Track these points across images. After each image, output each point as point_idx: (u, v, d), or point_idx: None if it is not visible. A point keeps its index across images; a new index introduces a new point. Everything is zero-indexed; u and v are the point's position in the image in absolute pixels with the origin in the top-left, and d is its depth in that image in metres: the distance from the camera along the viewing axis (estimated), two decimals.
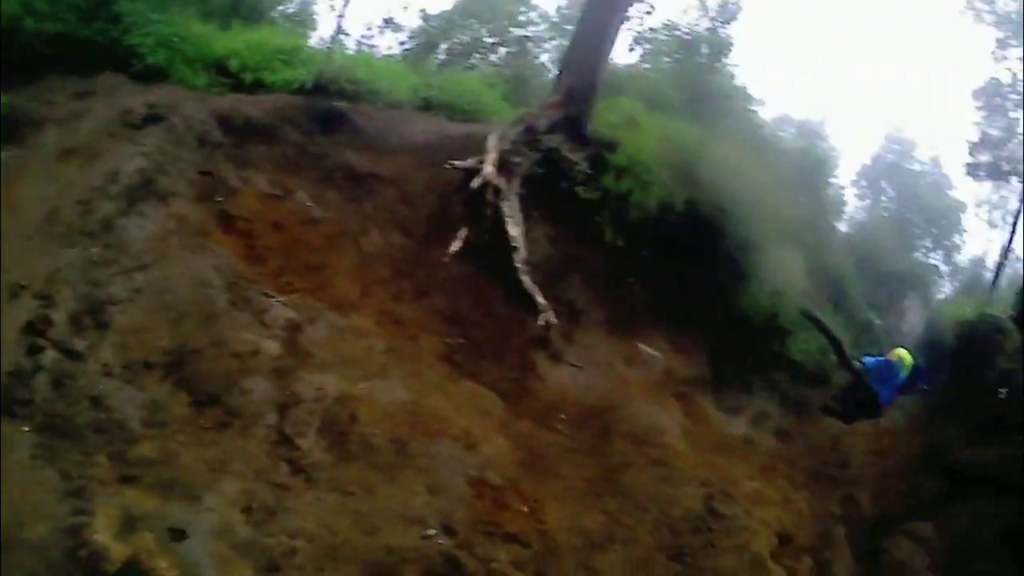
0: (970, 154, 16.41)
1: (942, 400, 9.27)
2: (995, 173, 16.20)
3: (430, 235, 6.21)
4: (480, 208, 6.05)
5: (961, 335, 9.55)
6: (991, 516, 6.27)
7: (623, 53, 10.86)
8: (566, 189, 6.55)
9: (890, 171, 20.06)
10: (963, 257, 19.44)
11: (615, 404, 5.63)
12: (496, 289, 5.96)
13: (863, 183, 20.52)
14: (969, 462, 7.31)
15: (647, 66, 10.62)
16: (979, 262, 18.95)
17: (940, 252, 19.07)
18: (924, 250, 19.15)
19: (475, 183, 6.01)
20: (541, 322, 5.84)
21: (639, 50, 11.02)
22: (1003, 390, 7.88)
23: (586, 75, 6.60)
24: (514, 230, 6.11)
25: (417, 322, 5.52)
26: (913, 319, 16.44)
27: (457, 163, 6.17)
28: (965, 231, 19.11)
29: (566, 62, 6.97)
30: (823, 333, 9.75)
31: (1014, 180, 15.62)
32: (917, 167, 20.00)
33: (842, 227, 15.97)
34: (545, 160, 6.58)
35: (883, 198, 20.26)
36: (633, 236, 6.62)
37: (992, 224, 19.10)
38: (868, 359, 9.93)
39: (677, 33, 10.81)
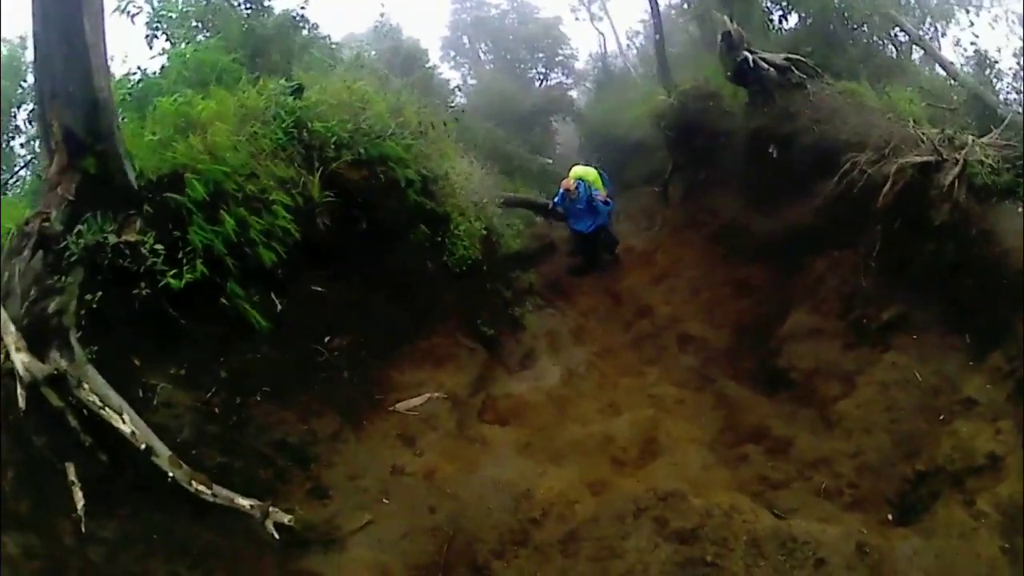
0: None
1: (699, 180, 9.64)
2: None
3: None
4: (60, 419, 3.22)
5: (672, 120, 9.80)
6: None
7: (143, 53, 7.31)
8: (151, 294, 3.73)
9: (474, 29, 20.47)
10: (582, 63, 20.56)
11: (451, 520, 3.60)
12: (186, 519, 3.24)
13: (452, 53, 20.71)
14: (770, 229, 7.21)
15: (189, 45, 7.56)
16: (600, 56, 20.20)
17: (559, 69, 20.11)
18: (541, 76, 20.16)
19: (20, 399, 3.11)
20: (273, 530, 3.44)
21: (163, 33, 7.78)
22: (771, 149, 7.56)
23: (85, 101, 3.74)
24: (120, 422, 3.33)
25: None
26: (564, 136, 17.50)
27: None
28: (570, 39, 19.99)
29: (50, 101, 3.83)
30: (522, 207, 9.75)
31: None
32: (495, 12, 20.71)
33: (463, 100, 15.29)
34: (97, 274, 3.64)
35: (480, 55, 20.63)
36: (288, 280, 4.32)
37: (597, 17, 20.23)
38: (559, 198, 9.67)
39: None
